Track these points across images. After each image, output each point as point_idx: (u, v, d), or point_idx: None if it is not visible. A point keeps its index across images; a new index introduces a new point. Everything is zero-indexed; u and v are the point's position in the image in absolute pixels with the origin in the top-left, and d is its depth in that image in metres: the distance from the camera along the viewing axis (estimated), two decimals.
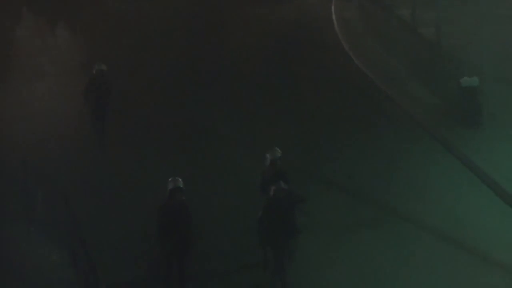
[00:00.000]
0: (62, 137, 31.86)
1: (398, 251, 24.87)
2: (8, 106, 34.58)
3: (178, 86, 35.96)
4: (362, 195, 28.15)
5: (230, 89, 35.81)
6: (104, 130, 31.39)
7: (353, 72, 37.19)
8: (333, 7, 42.80)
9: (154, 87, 36.04)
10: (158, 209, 22.02)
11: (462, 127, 31.60)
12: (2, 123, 34.16)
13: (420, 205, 27.29)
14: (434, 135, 31.75)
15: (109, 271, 23.18)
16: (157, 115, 33.44)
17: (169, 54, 38.97)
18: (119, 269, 23.91)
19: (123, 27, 41.95)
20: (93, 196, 28.04)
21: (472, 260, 24.71)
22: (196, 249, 22.79)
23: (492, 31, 35.81)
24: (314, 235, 25.23)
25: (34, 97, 35.79)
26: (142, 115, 33.53)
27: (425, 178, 29.02)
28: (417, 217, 26.61)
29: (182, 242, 22.13)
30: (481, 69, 32.81)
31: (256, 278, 23.36)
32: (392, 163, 30.09)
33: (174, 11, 43.71)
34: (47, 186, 27.50)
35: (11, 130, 33.29)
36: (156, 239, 22.44)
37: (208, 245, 23.92)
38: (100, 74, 31.35)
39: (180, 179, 22.25)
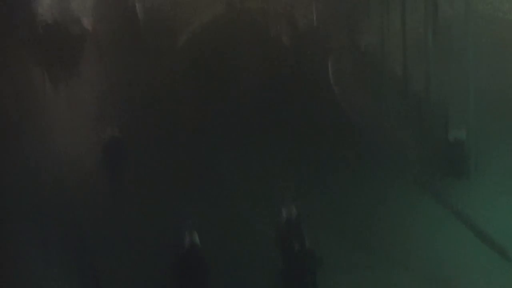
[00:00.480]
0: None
1: None
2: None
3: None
4: (349, 238, 28.03)
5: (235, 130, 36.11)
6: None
7: (347, 123, 37.15)
8: (329, 61, 42.97)
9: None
10: (174, 261, 22.03)
11: (451, 174, 31.32)
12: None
13: (409, 249, 26.96)
14: (423, 183, 31.57)
15: None
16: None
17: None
18: None
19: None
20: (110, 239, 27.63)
21: None
22: None
23: (481, 85, 34.37)
24: (322, 275, 24.28)
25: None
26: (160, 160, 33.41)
27: (412, 220, 28.84)
28: (405, 262, 26.24)
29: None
30: (469, 121, 32.18)
31: None
32: (384, 209, 29.78)
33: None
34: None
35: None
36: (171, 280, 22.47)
37: None
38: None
39: (196, 233, 22.07)
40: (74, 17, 47.48)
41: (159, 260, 24.33)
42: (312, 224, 27.38)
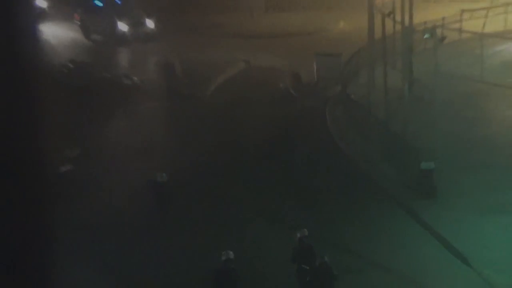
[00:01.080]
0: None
1: None
2: None
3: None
4: (342, 248, 29.61)
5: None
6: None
7: (340, 156, 38.11)
8: (327, 108, 43.42)
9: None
10: (215, 273, 23.67)
11: (422, 197, 32.83)
12: None
13: (385, 251, 29.25)
14: (401, 203, 33.15)
15: None
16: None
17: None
18: None
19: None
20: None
21: None
22: None
23: (446, 127, 37.12)
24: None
25: None
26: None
27: (392, 234, 30.77)
28: (386, 266, 28.34)
29: None
30: (436, 156, 33.99)
31: None
32: (366, 221, 31.68)
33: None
34: None
35: None
36: None
37: None
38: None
39: (231, 252, 23.54)
40: (126, 73, 48.55)
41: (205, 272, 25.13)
42: (316, 239, 28.29)
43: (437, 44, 38.97)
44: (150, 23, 55.40)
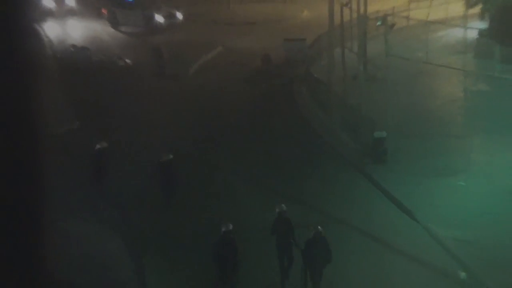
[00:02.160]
0: None
1: (334, 240, 24.61)
2: None
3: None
4: (302, 203, 29.40)
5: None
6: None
7: (305, 126, 38.16)
8: (293, 85, 43.59)
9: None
10: (215, 243, 22.97)
11: (374, 161, 32.89)
12: None
13: (342, 208, 29.20)
14: (357, 167, 33.26)
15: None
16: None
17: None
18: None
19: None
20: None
21: (380, 247, 26.43)
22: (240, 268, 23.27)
23: (395, 102, 36.98)
24: (269, 234, 25.39)
25: None
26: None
27: (348, 189, 30.96)
28: (344, 219, 28.33)
29: (231, 264, 22.79)
30: (387, 126, 34.03)
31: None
32: (328, 181, 31.57)
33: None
34: None
35: None
36: (213, 262, 22.95)
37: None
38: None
39: (230, 224, 22.89)
40: (119, 56, 48.44)
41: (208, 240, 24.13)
42: (286, 196, 29.52)
43: (387, 30, 39.17)
44: (179, 15, 56.02)
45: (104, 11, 56.06)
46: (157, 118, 38.97)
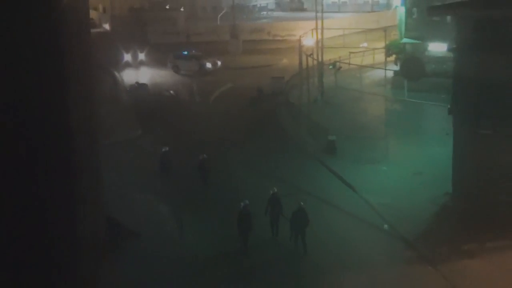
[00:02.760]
0: None
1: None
2: None
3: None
4: (283, 182, 28.50)
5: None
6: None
7: (284, 133, 37.02)
8: (276, 108, 41.83)
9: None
10: (237, 214, 22.11)
11: (328, 155, 32.17)
12: None
13: (308, 184, 28.68)
14: (317, 158, 32.32)
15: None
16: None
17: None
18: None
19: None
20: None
21: (332, 209, 26.10)
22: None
23: (343, 117, 36.68)
24: (261, 200, 24.79)
25: None
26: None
27: (311, 173, 30.35)
28: (309, 191, 27.82)
29: (248, 228, 22.08)
30: (336, 132, 33.56)
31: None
32: (298, 167, 31.08)
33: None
34: None
35: None
36: (237, 227, 22.09)
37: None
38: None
39: (247, 200, 22.06)
40: (167, 89, 47.28)
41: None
42: (260, 176, 29.74)
43: (336, 71, 39.06)
44: (219, 63, 54.28)
45: (169, 61, 54.33)
46: (191, 128, 38.13)
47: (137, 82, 47.17)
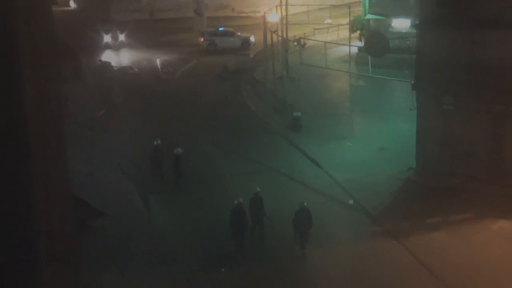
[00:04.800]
0: None
1: (269, 182, 25.94)
2: None
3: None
4: (249, 159, 29.10)
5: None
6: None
7: (249, 110, 37.16)
8: (242, 85, 41.84)
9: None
10: (230, 212, 20.84)
11: (293, 131, 32.31)
12: None
13: (274, 161, 28.86)
14: (282, 134, 32.56)
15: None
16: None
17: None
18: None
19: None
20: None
21: (298, 185, 26.42)
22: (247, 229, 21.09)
23: (307, 94, 36.11)
24: (228, 178, 26.66)
25: None
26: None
27: (277, 149, 30.46)
28: (275, 168, 28.13)
29: (242, 228, 20.89)
30: (301, 109, 33.57)
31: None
32: (264, 143, 31.22)
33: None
34: None
35: None
36: (229, 224, 20.83)
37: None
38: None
39: (241, 198, 20.77)
40: (130, 67, 46.64)
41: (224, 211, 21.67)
42: (227, 155, 29.88)
43: (301, 48, 38.99)
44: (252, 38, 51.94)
45: (202, 39, 52.58)
46: (156, 107, 37.76)
47: (100, 60, 46.61)
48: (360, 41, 45.33)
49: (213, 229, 22.44)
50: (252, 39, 51.71)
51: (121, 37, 53.30)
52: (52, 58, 18.48)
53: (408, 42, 38.05)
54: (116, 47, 52.55)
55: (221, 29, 52.53)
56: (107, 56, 49.86)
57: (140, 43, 52.48)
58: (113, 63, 46.94)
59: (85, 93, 38.41)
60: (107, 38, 52.94)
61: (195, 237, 22.20)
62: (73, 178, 21.42)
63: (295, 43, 41.24)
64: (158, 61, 47.84)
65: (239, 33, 52.38)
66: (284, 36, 41.63)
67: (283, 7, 43.05)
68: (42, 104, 17.31)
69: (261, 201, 21.60)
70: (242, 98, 39.97)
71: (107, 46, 52.48)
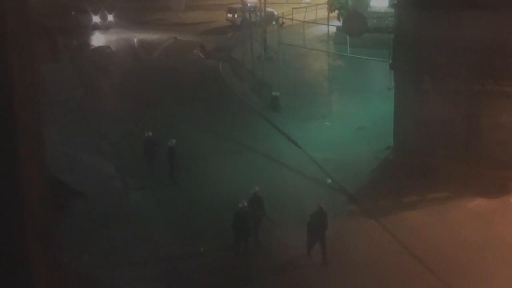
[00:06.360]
0: None
1: (248, 162, 26.35)
2: None
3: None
4: (228, 139, 29.05)
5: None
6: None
7: (228, 90, 37.17)
8: (220, 64, 41.88)
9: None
10: (234, 215, 19.21)
11: (272, 111, 32.54)
12: None
13: (253, 141, 28.84)
14: (260, 114, 32.72)
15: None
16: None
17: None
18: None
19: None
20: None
21: (276, 165, 26.52)
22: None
23: (286, 74, 36.16)
24: (207, 158, 26.58)
25: None
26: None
27: (256, 129, 30.54)
28: (254, 148, 28.16)
29: (246, 233, 19.26)
30: (280, 89, 33.69)
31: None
32: (243, 124, 31.22)
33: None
34: None
35: None
36: (232, 228, 19.23)
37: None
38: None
39: (245, 202, 19.37)
40: (107, 46, 46.45)
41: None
42: (206, 135, 29.45)
43: (279, 27, 38.94)
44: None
45: (235, 15, 50.73)
46: (135, 86, 37.65)
47: (76, 40, 46.19)
48: (339, 20, 45.29)
49: (193, 211, 22.40)
50: (275, 12, 50.22)
51: (110, 17, 52.84)
52: (27, 38, 18.27)
53: (386, 22, 38.15)
54: (105, 27, 52.08)
55: (250, 4, 49.89)
56: (95, 37, 49.74)
57: (130, 23, 52.44)
58: (93, 43, 47.14)
59: (62, 74, 38.21)
60: (95, 19, 52.39)
61: (174, 219, 22.08)
62: (50, 159, 21.49)
63: (274, 23, 41.18)
64: (135, 40, 47.72)
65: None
66: (263, 15, 41.48)
67: None
68: (18, 84, 17.19)
69: (260, 201, 20.17)
70: (221, 77, 39.79)
71: (96, 27, 52.03)
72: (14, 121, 16.46)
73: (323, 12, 47.91)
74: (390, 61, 26.72)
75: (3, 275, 14.63)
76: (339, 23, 43.88)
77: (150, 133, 25.62)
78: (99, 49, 45.69)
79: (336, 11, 46.40)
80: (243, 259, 19.24)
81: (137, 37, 49.00)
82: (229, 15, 52.18)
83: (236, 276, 18.80)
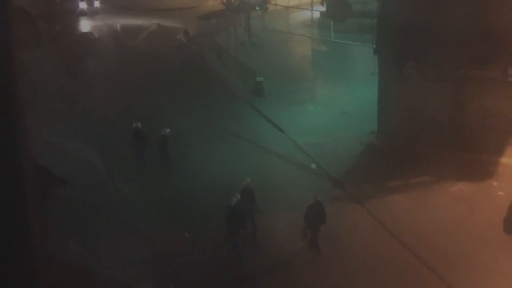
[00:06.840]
0: None
1: (232, 148, 26.45)
2: None
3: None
4: (212, 125, 29.07)
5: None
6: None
7: (213, 76, 36.82)
8: (204, 50, 41.59)
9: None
10: (227, 210, 18.49)
11: (256, 97, 32.59)
12: None
13: (237, 127, 28.89)
14: (245, 99, 32.76)
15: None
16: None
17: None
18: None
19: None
20: None
21: (260, 150, 26.52)
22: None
23: (271, 60, 36.65)
24: (190, 145, 26.46)
25: None
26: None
27: (240, 115, 30.51)
28: (236, 133, 28.23)
29: (240, 227, 18.73)
30: (264, 75, 33.70)
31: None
32: (227, 110, 31.20)
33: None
34: None
35: None
36: (226, 223, 18.54)
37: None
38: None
39: (239, 195, 18.68)
40: (90, 32, 46.27)
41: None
42: (191, 121, 29.39)
43: (263, 12, 38.93)
44: None
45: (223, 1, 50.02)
46: (119, 73, 37.46)
47: (58, 25, 45.85)
48: (322, 5, 45.25)
49: (179, 197, 22.47)
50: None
51: (96, 3, 52.42)
52: (6, 23, 18.19)
53: (370, 7, 38.17)
54: (92, 13, 51.69)
55: None
56: (81, 24, 49.36)
57: (118, 8, 52.09)
58: (77, 29, 46.90)
59: (45, 60, 37.96)
60: (82, 5, 52.01)
61: (160, 206, 22.04)
62: (33, 146, 21.28)
63: (257, 8, 41.09)
64: (118, 26, 47.47)
65: None
66: (246, 0, 41.45)
67: None
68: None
69: (252, 193, 19.64)
70: (205, 63, 39.71)
71: (83, 13, 51.68)
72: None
73: None
74: (374, 46, 26.67)
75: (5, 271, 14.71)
76: (323, 9, 43.95)
77: (139, 124, 24.79)
78: (82, 35, 45.59)
79: None
80: (236, 255, 18.76)
81: (121, 22, 48.87)
82: None
83: (229, 270, 18.55)
